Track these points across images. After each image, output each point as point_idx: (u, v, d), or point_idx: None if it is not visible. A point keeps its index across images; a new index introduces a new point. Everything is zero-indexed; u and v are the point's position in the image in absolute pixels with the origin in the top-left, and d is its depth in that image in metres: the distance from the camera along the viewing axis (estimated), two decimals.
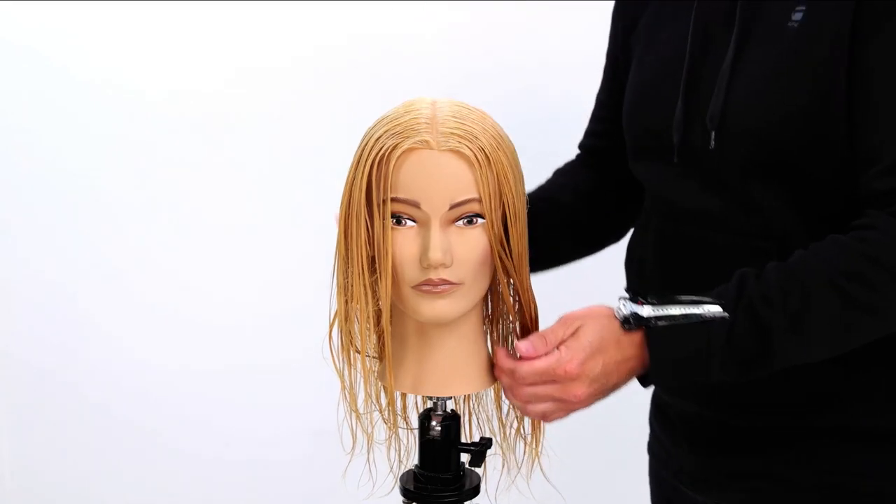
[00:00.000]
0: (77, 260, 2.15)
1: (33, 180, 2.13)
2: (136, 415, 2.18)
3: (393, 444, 1.14)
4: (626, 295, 1.01)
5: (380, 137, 0.98)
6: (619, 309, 1.00)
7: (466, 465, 1.08)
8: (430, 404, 1.08)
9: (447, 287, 0.98)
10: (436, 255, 0.96)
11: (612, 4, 1.31)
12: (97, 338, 2.17)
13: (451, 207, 0.97)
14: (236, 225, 2.09)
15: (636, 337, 1.00)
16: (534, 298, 1.07)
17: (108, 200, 2.12)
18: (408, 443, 1.15)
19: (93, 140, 2.10)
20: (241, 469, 2.17)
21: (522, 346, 1.01)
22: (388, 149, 0.97)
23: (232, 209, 2.09)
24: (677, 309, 0.98)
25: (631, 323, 0.99)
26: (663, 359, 1.00)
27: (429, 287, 0.98)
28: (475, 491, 1.08)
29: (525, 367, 1.00)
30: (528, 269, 1.05)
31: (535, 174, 1.26)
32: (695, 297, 0.98)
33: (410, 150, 0.96)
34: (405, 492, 1.08)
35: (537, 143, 1.33)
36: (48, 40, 2.07)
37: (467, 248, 0.98)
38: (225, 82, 2.05)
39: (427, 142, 0.96)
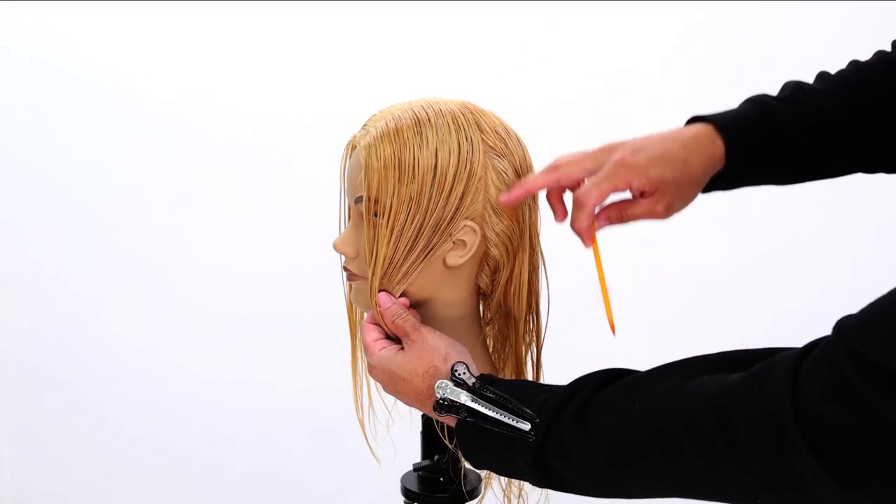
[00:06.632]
0: (80, 260, 2.16)
1: (40, 181, 2.15)
2: (136, 416, 2.19)
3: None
4: (460, 369, 0.92)
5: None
6: (438, 388, 0.91)
7: (467, 466, 1.08)
8: None
9: (354, 278, 1.00)
10: (335, 243, 1.00)
11: None
12: (99, 338, 2.18)
13: (356, 202, 0.97)
14: (244, 225, 2.10)
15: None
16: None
17: (115, 201, 2.13)
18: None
19: (100, 141, 2.11)
20: (242, 468, 2.18)
21: None
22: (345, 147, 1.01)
23: (240, 210, 2.10)
24: (493, 411, 0.88)
25: (442, 407, 0.91)
26: (471, 455, 0.93)
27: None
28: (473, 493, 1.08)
29: None
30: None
31: None
32: (516, 405, 0.88)
33: (351, 147, 0.99)
34: (406, 492, 1.08)
35: None
36: (59, 44, 2.09)
37: (364, 244, 0.98)
38: (234, 82, 2.06)
39: (353, 138, 0.99)
